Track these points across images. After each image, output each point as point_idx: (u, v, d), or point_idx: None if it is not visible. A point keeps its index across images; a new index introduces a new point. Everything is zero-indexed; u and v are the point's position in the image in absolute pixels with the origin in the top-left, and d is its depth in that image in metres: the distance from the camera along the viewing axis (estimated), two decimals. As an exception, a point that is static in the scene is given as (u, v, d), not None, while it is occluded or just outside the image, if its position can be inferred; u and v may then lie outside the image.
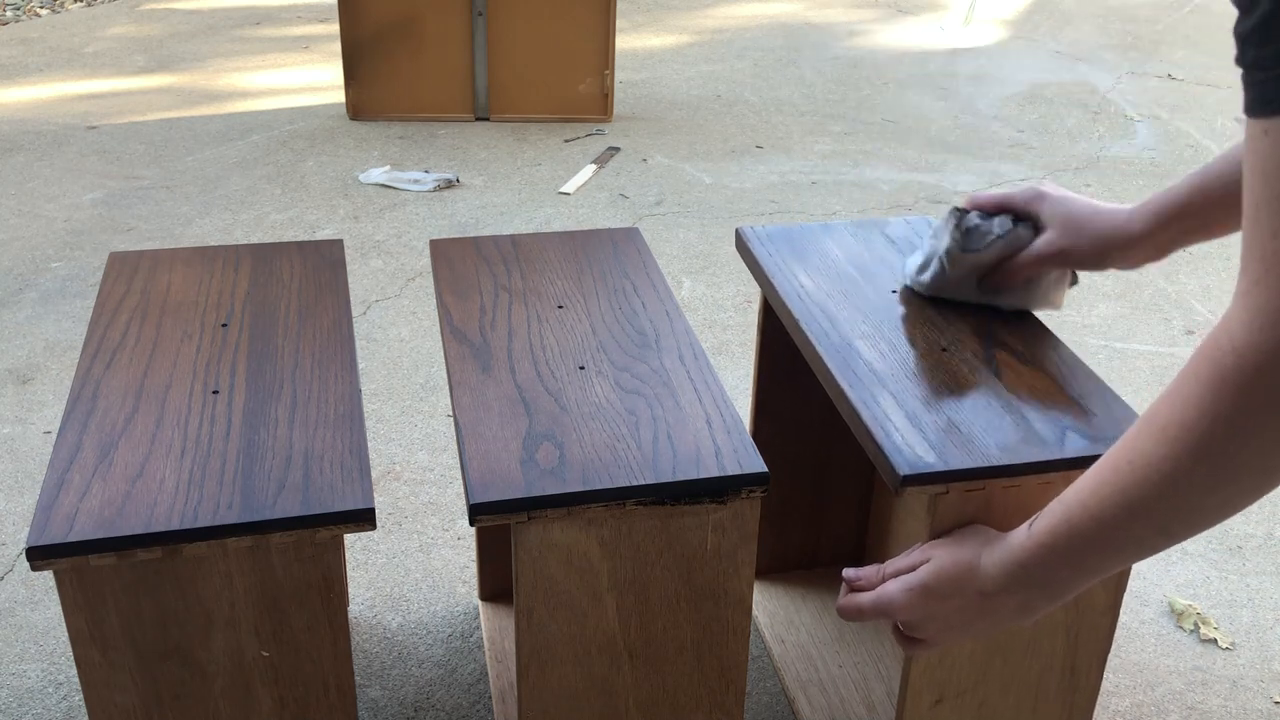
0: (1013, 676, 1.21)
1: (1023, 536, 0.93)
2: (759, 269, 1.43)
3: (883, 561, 1.08)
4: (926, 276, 1.32)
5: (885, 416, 1.13)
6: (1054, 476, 1.09)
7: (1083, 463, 1.09)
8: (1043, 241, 1.23)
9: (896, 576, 1.04)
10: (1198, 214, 1.11)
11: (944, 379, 1.19)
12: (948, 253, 1.28)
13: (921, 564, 1.03)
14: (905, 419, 1.13)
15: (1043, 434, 1.12)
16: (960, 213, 1.27)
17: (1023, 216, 1.25)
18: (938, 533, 1.08)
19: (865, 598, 1.05)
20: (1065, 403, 1.17)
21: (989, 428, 1.12)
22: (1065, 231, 1.20)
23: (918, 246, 1.44)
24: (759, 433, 1.58)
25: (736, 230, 1.50)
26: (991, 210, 1.27)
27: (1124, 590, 1.21)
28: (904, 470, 1.06)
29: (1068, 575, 0.90)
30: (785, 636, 1.62)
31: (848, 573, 1.08)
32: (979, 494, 1.08)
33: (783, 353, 1.55)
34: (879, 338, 1.26)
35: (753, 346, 2.43)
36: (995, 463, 1.07)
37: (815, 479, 1.66)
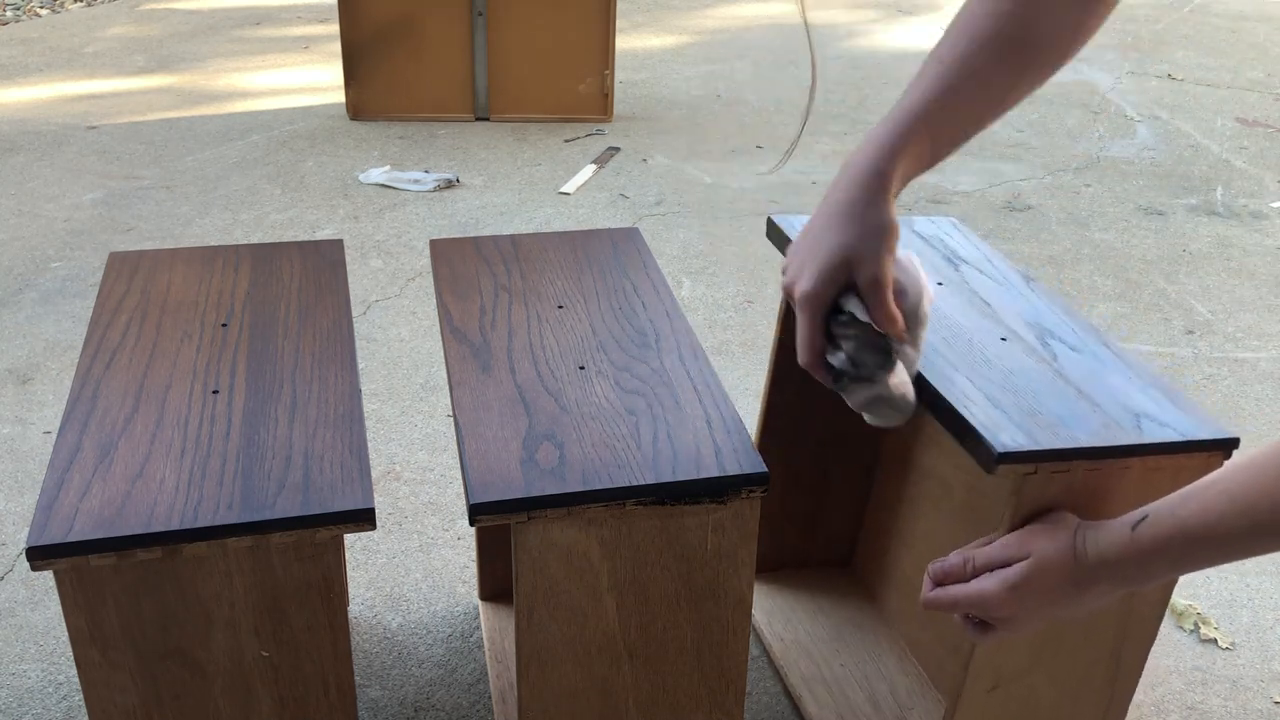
0: (1062, 665, 1.22)
1: (1124, 537, 0.94)
2: None
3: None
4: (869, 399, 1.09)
5: (967, 398, 1.13)
6: (1134, 461, 1.10)
7: (1162, 449, 1.10)
8: (864, 275, 1.05)
9: (989, 570, 1.03)
10: (935, 147, 1.06)
11: (1011, 366, 1.20)
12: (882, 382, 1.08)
13: (1019, 559, 1.01)
14: (985, 401, 1.13)
15: (1119, 420, 1.12)
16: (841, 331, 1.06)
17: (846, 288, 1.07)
18: (1022, 513, 1.08)
19: (960, 592, 1.03)
20: (1130, 391, 1.17)
21: (1066, 412, 1.13)
22: (860, 258, 1.05)
23: (952, 249, 1.45)
24: (769, 431, 1.57)
25: (769, 219, 1.48)
26: (828, 309, 1.07)
27: (1175, 585, 1.22)
28: (999, 448, 1.06)
29: (1164, 573, 0.94)
30: (784, 634, 1.62)
31: (934, 567, 1.07)
32: (1063, 476, 1.09)
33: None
34: (938, 325, 1.26)
35: (752, 346, 2.43)
36: (1083, 444, 1.08)
37: (815, 480, 1.66)
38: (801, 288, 1.05)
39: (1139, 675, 1.26)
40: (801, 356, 1.08)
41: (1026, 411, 1.12)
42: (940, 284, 1.36)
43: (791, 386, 1.55)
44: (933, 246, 1.47)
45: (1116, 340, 1.28)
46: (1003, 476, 1.07)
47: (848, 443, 1.63)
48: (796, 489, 1.65)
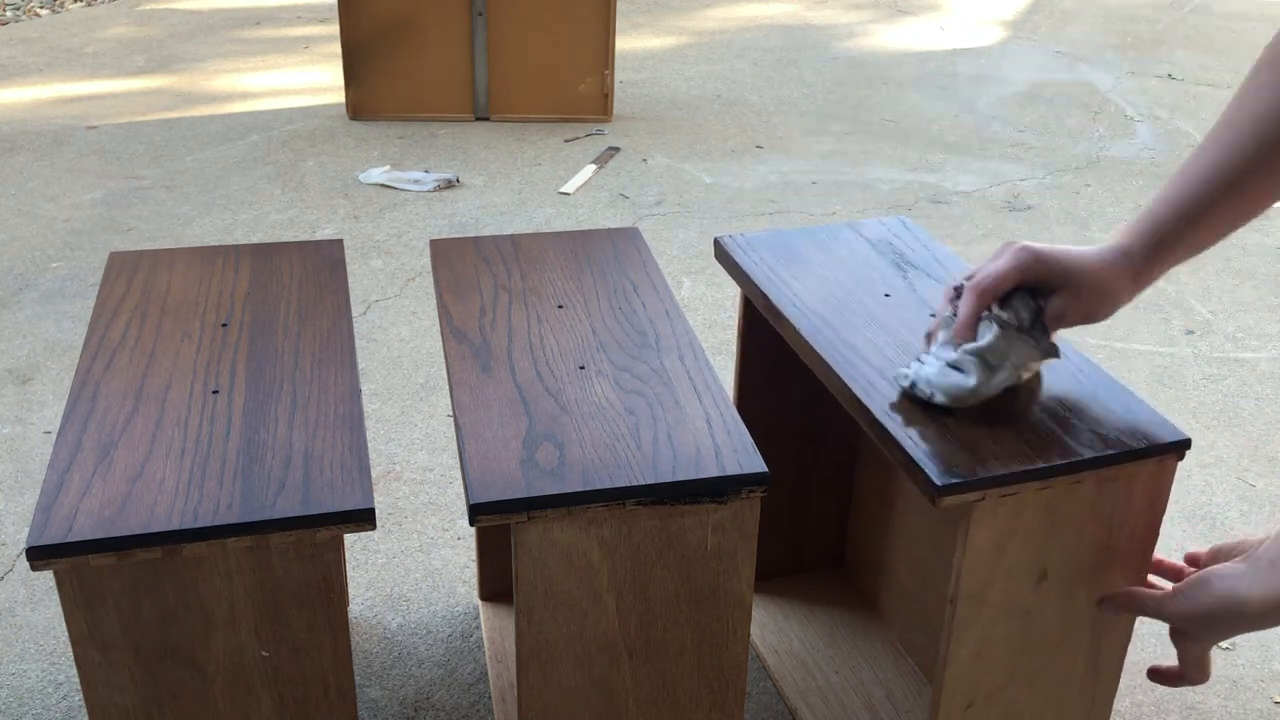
0: (1040, 675, 1.21)
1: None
2: (746, 278, 1.41)
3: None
4: (982, 388, 1.14)
5: (909, 424, 1.12)
6: (1085, 475, 1.09)
7: (1112, 460, 1.09)
8: (1060, 307, 1.14)
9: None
10: (1186, 245, 1.11)
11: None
12: (1017, 365, 1.15)
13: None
14: (930, 426, 1.12)
15: (1067, 433, 1.11)
16: (992, 317, 1.14)
17: (1033, 287, 1.14)
18: (976, 539, 1.07)
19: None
20: (1082, 401, 1.16)
21: (1014, 430, 1.11)
22: (1077, 293, 1.13)
23: (901, 253, 1.45)
24: None
25: (715, 240, 1.48)
26: (1004, 295, 1.14)
27: (1144, 582, 1.21)
28: (940, 480, 1.04)
29: None
30: (778, 646, 1.61)
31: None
32: (1013, 499, 1.08)
33: (762, 360, 1.55)
34: (884, 343, 1.25)
35: (753, 346, 2.43)
36: (1028, 466, 1.06)
37: (794, 487, 1.65)
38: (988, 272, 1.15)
39: (1118, 676, 1.25)
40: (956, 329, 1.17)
41: (971, 433, 1.10)
42: (887, 295, 1.36)
43: (760, 387, 1.55)
44: (880, 252, 1.46)
45: (1069, 344, 1.27)
46: (948, 507, 1.06)
47: (825, 442, 1.63)
48: (776, 492, 1.64)
